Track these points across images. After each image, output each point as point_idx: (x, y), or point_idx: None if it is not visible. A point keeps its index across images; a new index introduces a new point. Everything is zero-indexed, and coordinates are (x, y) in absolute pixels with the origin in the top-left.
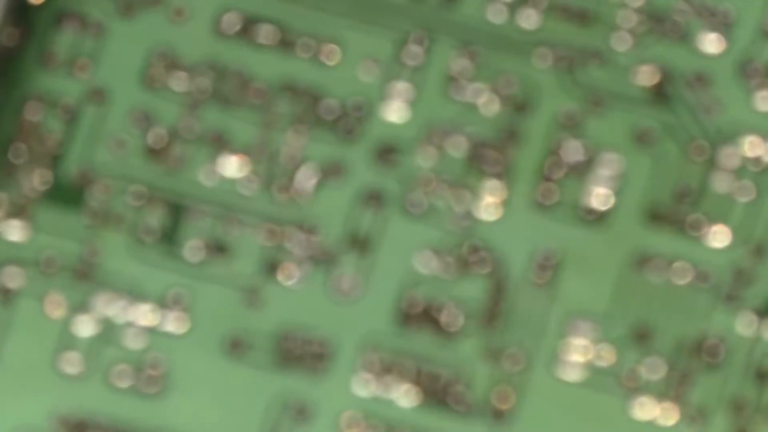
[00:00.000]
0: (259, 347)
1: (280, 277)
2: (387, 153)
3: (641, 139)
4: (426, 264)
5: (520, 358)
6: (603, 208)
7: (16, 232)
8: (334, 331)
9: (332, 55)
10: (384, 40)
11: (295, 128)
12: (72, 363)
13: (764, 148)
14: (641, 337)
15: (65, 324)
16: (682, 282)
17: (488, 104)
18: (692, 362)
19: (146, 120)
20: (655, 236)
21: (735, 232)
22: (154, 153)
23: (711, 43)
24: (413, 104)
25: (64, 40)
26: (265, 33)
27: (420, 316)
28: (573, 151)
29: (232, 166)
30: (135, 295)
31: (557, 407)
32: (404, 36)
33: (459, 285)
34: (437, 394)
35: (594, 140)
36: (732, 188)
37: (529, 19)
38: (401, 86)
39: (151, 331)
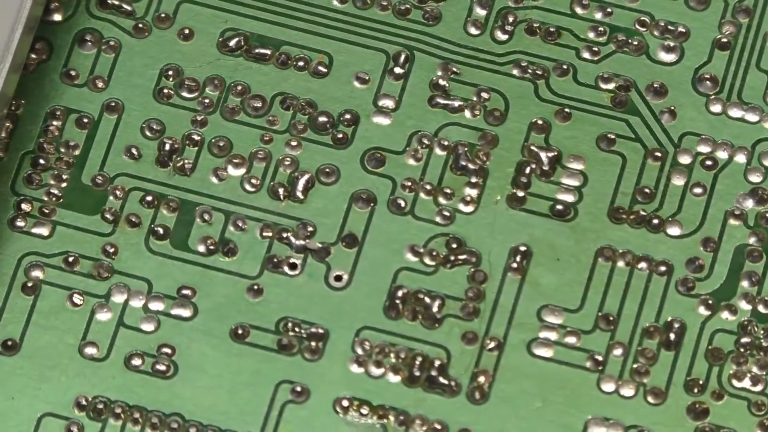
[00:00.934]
0: (261, 333)
1: (279, 269)
2: (375, 157)
3: (605, 143)
4: (411, 257)
5: (496, 341)
6: (571, 206)
7: (42, 229)
8: (329, 318)
9: (324, 70)
10: (372, 55)
11: (291, 135)
12: (94, 349)
13: (715, 149)
14: (606, 321)
15: (86, 313)
16: (641, 271)
17: (467, 112)
18: (651, 342)
19: (158, 130)
20: (618, 230)
21: (689, 226)
22: (166, 159)
23: (668, 56)
24: (398, 113)
25: (83, 57)
26: (265, 50)
27: (406, 304)
28: (544, 154)
29: (236, 170)
30: (149, 285)
31: (530, 383)
32: (390, 51)
33: (441, 275)
34: (422, 373)
35: (563, 144)
36: (686, 187)
37: (503, 36)
38: (388, 97)
39: (164, 319)
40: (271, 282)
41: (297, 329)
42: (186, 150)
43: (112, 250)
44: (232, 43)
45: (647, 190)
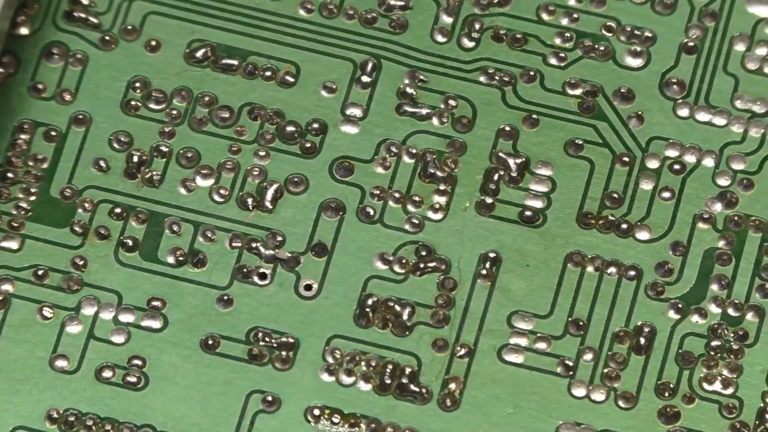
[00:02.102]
0: (232, 343)
1: (249, 279)
2: (343, 166)
3: (573, 148)
4: (381, 265)
5: (467, 347)
6: (540, 212)
7: (11, 243)
8: (300, 327)
9: (292, 80)
10: (338, 64)
11: (260, 145)
12: (64, 362)
13: (683, 153)
14: (576, 326)
15: (56, 326)
16: (611, 276)
17: (434, 120)
18: (622, 347)
19: (126, 142)
20: (587, 236)
21: (658, 230)
22: (134, 171)
23: (635, 60)
24: (366, 121)
25: (50, 70)
26: (232, 61)
27: (376, 312)
28: (512, 160)
29: (204, 181)
30: (119, 297)
31: (501, 389)
32: (357, 60)
33: (410, 283)
34: (393, 381)
35: (531, 150)
36: (655, 191)
37: (469, 43)
38: (355, 105)
39: (134, 331)
40: (241, 292)
41: (267, 339)
42: (154, 161)
43: (81, 262)
44: (199, 54)
45: (616, 195)
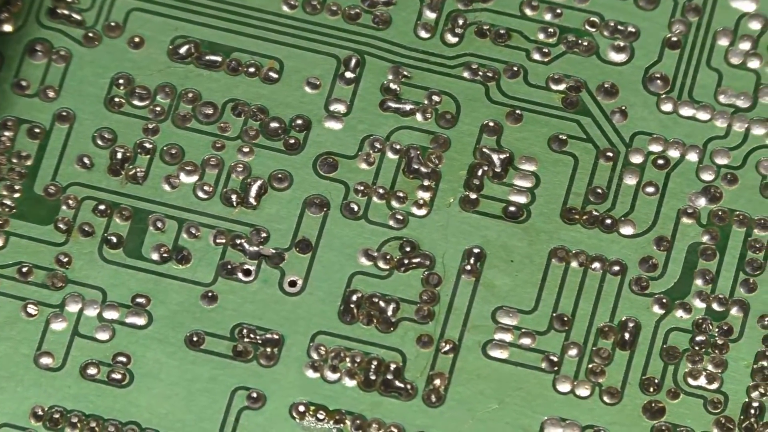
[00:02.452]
0: (216, 340)
1: (234, 275)
2: (327, 162)
3: (557, 143)
4: (365, 261)
5: (452, 343)
6: (524, 207)
7: None
8: (284, 323)
9: (275, 76)
10: (322, 60)
11: (243, 142)
12: (49, 359)
13: (667, 148)
14: (560, 322)
15: (41, 324)
16: (595, 271)
17: (418, 116)
18: (606, 342)
19: (110, 138)
20: (571, 231)
21: (642, 225)
22: (118, 168)
23: (618, 55)
24: (350, 117)
25: (34, 67)
26: (215, 57)
27: (361, 308)
28: (496, 156)
29: (188, 177)
30: (103, 294)
31: (486, 385)
32: (341, 56)
33: (395, 279)
34: (378, 377)
35: (515, 146)
36: (638, 186)
37: (453, 39)
38: (339, 101)
39: (119, 328)
40: (226, 289)
41: (252, 335)
42: (138, 158)
43: (65, 259)
44: (183, 50)
45: (599, 191)
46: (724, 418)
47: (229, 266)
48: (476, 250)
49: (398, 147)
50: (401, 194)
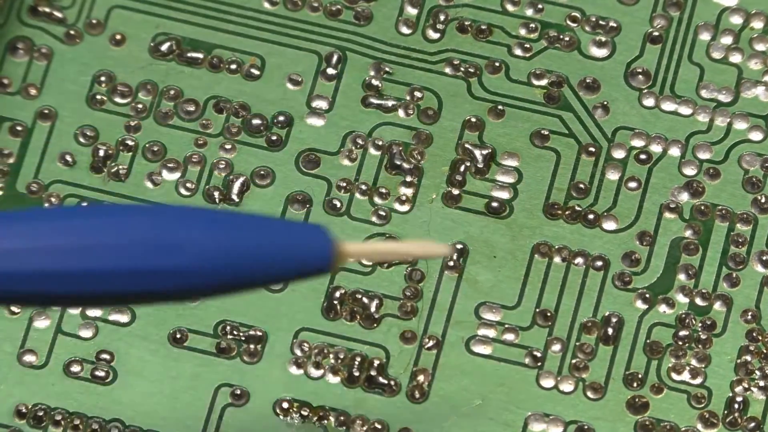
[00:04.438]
0: (199, 337)
1: None
2: (310, 158)
3: (539, 139)
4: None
5: (435, 339)
6: (506, 203)
7: None
8: (267, 320)
9: (257, 72)
10: (304, 56)
11: (225, 139)
12: (32, 357)
13: (649, 143)
14: (543, 317)
15: (24, 321)
16: (578, 266)
17: (400, 112)
18: (590, 338)
19: (92, 136)
20: (554, 226)
21: (624, 220)
22: (100, 165)
23: (599, 51)
24: (332, 114)
25: (15, 65)
26: (197, 54)
27: (344, 304)
28: (478, 151)
29: (171, 174)
30: None
31: (469, 381)
32: (322, 52)
33: (378, 275)
34: (362, 373)
35: (497, 141)
36: (621, 181)
37: (434, 35)
38: (321, 98)
39: (102, 325)
40: None
41: (235, 332)
42: (120, 155)
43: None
44: (164, 47)
45: (582, 186)
46: (708, 412)
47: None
48: (459, 246)
49: (380, 143)
50: (384, 190)
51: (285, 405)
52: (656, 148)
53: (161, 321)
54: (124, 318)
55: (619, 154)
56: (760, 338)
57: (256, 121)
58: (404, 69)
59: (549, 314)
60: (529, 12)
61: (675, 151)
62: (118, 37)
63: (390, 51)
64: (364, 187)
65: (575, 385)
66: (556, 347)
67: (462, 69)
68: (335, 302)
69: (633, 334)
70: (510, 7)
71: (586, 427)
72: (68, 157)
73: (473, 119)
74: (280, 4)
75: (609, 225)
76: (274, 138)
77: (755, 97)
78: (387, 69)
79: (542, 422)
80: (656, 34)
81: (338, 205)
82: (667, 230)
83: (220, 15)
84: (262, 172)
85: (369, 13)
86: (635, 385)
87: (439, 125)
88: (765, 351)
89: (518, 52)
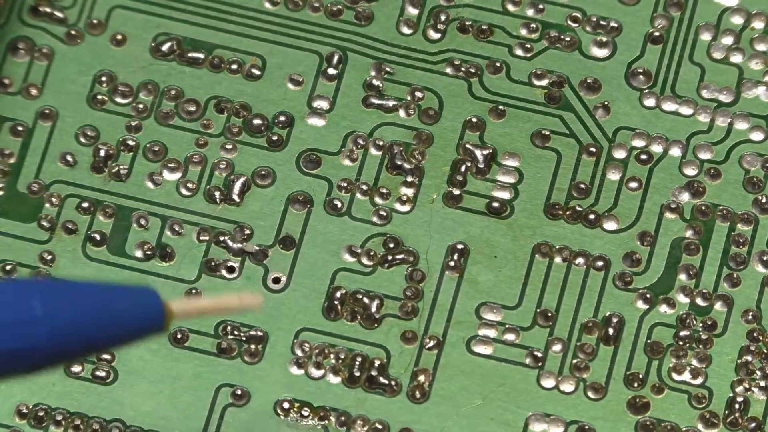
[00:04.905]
0: (200, 337)
1: (217, 272)
2: (310, 159)
3: (540, 139)
4: (349, 257)
5: (436, 339)
6: (507, 203)
7: None
8: (268, 320)
9: (258, 72)
10: (305, 57)
11: (226, 139)
12: None
13: (650, 143)
14: (544, 317)
15: None
16: (579, 267)
17: (401, 112)
18: (590, 338)
19: (92, 136)
20: (554, 226)
21: (625, 220)
22: (101, 165)
23: (600, 51)
24: (333, 114)
25: (16, 65)
26: (197, 54)
27: (345, 305)
28: (479, 151)
29: (171, 174)
30: None
31: (470, 381)
32: (323, 52)
33: (379, 275)
34: (362, 374)
35: (498, 142)
36: (622, 181)
37: (435, 35)
38: (321, 98)
39: None
40: (209, 286)
41: (236, 332)
42: (121, 155)
43: (49, 257)
44: (165, 47)
45: (583, 186)
46: (709, 413)
47: (213, 263)
48: (460, 246)
49: (381, 143)
50: (384, 190)
51: (286, 405)
52: (657, 149)
53: None
54: None
55: (619, 154)
56: (761, 338)
57: (256, 121)
58: (405, 69)
59: (550, 314)
60: (530, 12)
61: (676, 152)
62: (119, 37)
63: (391, 51)
64: (365, 187)
65: (576, 386)
66: (557, 347)
67: (463, 69)
68: (336, 302)
69: (634, 335)
70: (511, 8)
71: (586, 427)
72: (69, 157)
73: (474, 119)
74: (281, 4)
75: (610, 225)
76: (274, 138)
77: (756, 98)
78: (388, 69)
79: (543, 422)
80: (657, 34)
81: (339, 205)
82: (667, 230)
83: (221, 15)
84: (262, 172)
85: (370, 13)
86: (636, 385)
87: (440, 125)
88: (766, 351)
89: (519, 52)
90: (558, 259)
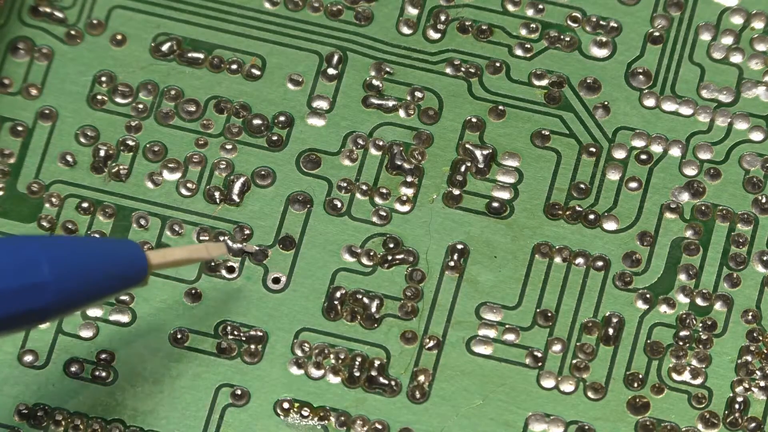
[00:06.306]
0: (200, 337)
1: (217, 273)
2: (310, 159)
3: (540, 139)
4: (349, 257)
5: (436, 339)
6: (507, 203)
7: None
8: (268, 320)
9: (258, 72)
10: (304, 57)
11: (226, 139)
12: (33, 357)
13: (649, 143)
14: (544, 317)
15: None
16: (579, 267)
17: (401, 112)
18: (590, 338)
19: (92, 136)
20: (554, 226)
21: (625, 220)
22: (101, 165)
23: (600, 51)
24: (333, 114)
25: (16, 65)
26: (197, 54)
27: (344, 305)
28: (479, 151)
29: (171, 174)
30: None
31: (470, 381)
32: (323, 53)
33: (378, 275)
34: (362, 374)
35: (497, 142)
36: (621, 182)
37: (435, 35)
38: (321, 98)
39: (102, 325)
40: (209, 286)
41: (236, 332)
42: (121, 156)
43: None
44: (165, 47)
45: (583, 186)
46: (709, 413)
47: (213, 263)
48: (459, 246)
49: (381, 143)
50: (384, 191)
51: (286, 405)
52: (657, 149)
53: (162, 321)
54: (124, 318)
55: (619, 154)
56: (761, 338)
57: (256, 121)
58: (405, 69)
59: (550, 314)
60: (530, 12)
61: (675, 152)
62: (118, 37)
63: (391, 51)
64: (364, 187)
65: (576, 386)
66: (557, 347)
67: (463, 69)
68: (336, 302)
69: (634, 335)
70: (511, 8)
71: (586, 427)
72: (69, 157)
73: (474, 119)
74: (281, 5)
75: (610, 225)
76: (274, 138)
77: (756, 98)
78: (388, 69)
79: (543, 422)
80: (657, 34)
81: (339, 205)
82: (667, 230)
83: (221, 15)
84: (262, 172)
85: (370, 13)
86: (636, 385)
87: (440, 125)
88: (765, 351)
89: (519, 52)
90: (558, 259)
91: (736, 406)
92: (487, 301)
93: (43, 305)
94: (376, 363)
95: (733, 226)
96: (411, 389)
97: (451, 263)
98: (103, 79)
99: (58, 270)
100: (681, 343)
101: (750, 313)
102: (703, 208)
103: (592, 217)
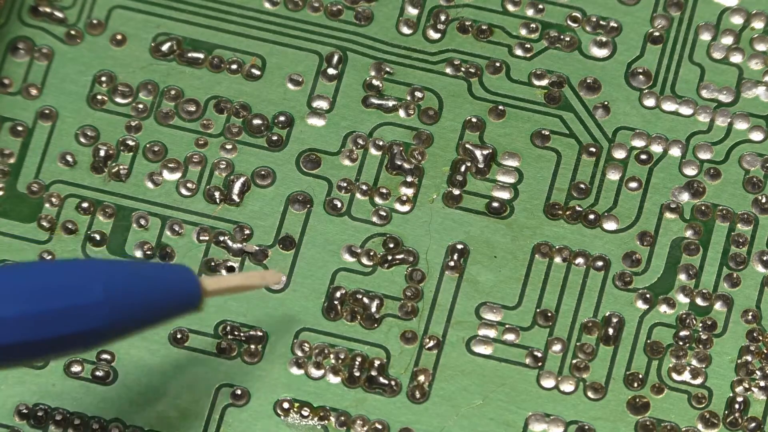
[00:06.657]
0: (200, 337)
1: (217, 272)
2: (310, 159)
3: (540, 139)
4: (349, 257)
5: (436, 339)
6: (507, 203)
7: None
8: (268, 320)
9: (258, 72)
10: (304, 57)
11: (226, 139)
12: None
13: (649, 143)
14: (544, 317)
15: None
16: (579, 267)
17: (401, 112)
18: (590, 338)
19: (92, 136)
20: (554, 226)
21: (625, 220)
22: (101, 165)
23: (600, 51)
24: (333, 114)
25: (16, 65)
26: (197, 54)
27: (344, 305)
28: (479, 151)
29: (171, 174)
30: None
31: (470, 381)
32: (323, 52)
33: (378, 275)
34: (362, 374)
35: (497, 142)
36: (621, 181)
37: (435, 35)
38: (321, 98)
39: None
40: None
41: (236, 332)
42: (121, 156)
43: (49, 257)
44: (165, 47)
45: (582, 186)
46: (709, 413)
47: (213, 263)
48: (459, 246)
49: (381, 143)
50: (384, 190)
51: (286, 405)
52: (657, 149)
53: None
54: None
55: (619, 154)
56: (761, 338)
57: (256, 121)
58: (405, 69)
59: (549, 314)
60: (530, 12)
61: (675, 152)
62: (118, 37)
63: (391, 51)
64: (364, 187)
65: (576, 386)
66: (557, 347)
67: (463, 69)
68: (336, 302)
69: (633, 335)
70: (511, 8)
71: (586, 427)
72: (69, 157)
73: (474, 119)
74: (280, 5)
75: (609, 225)
76: (274, 138)
77: (756, 97)
78: (388, 69)
79: (543, 422)
80: (657, 34)
81: (339, 205)
82: (667, 230)
83: (221, 15)
84: (262, 172)
85: (370, 13)
86: (636, 385)
87: (440, 125)
88: (765, 351)
89: (519, 52)
90: (558, 259)
91: (736, 406)
92: (487, 301)
93: (96, 327)
94: (376, 363)
95: (733, 226)
96: (411, 389)
97: (451, 263)
98: (103, 79)
99: (112, 292)
100: (681, 343)
101: (750, 313)
102: (703, 208)
103: (592, 217)
